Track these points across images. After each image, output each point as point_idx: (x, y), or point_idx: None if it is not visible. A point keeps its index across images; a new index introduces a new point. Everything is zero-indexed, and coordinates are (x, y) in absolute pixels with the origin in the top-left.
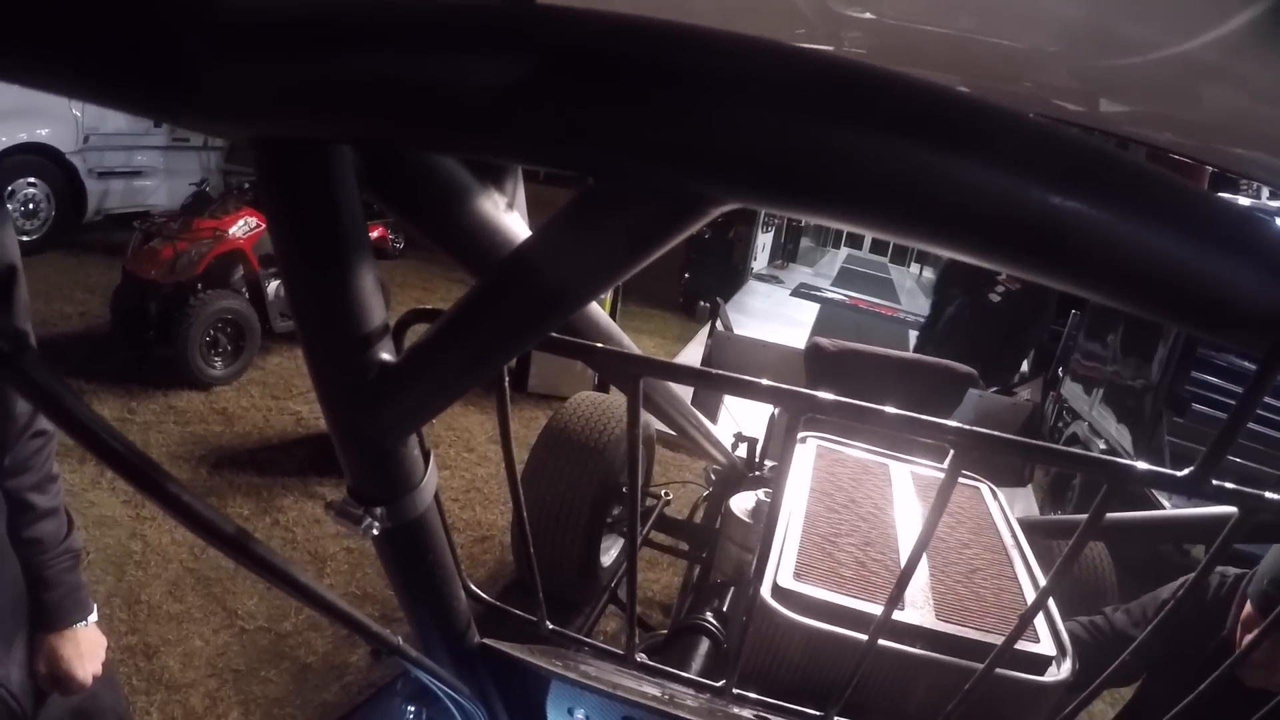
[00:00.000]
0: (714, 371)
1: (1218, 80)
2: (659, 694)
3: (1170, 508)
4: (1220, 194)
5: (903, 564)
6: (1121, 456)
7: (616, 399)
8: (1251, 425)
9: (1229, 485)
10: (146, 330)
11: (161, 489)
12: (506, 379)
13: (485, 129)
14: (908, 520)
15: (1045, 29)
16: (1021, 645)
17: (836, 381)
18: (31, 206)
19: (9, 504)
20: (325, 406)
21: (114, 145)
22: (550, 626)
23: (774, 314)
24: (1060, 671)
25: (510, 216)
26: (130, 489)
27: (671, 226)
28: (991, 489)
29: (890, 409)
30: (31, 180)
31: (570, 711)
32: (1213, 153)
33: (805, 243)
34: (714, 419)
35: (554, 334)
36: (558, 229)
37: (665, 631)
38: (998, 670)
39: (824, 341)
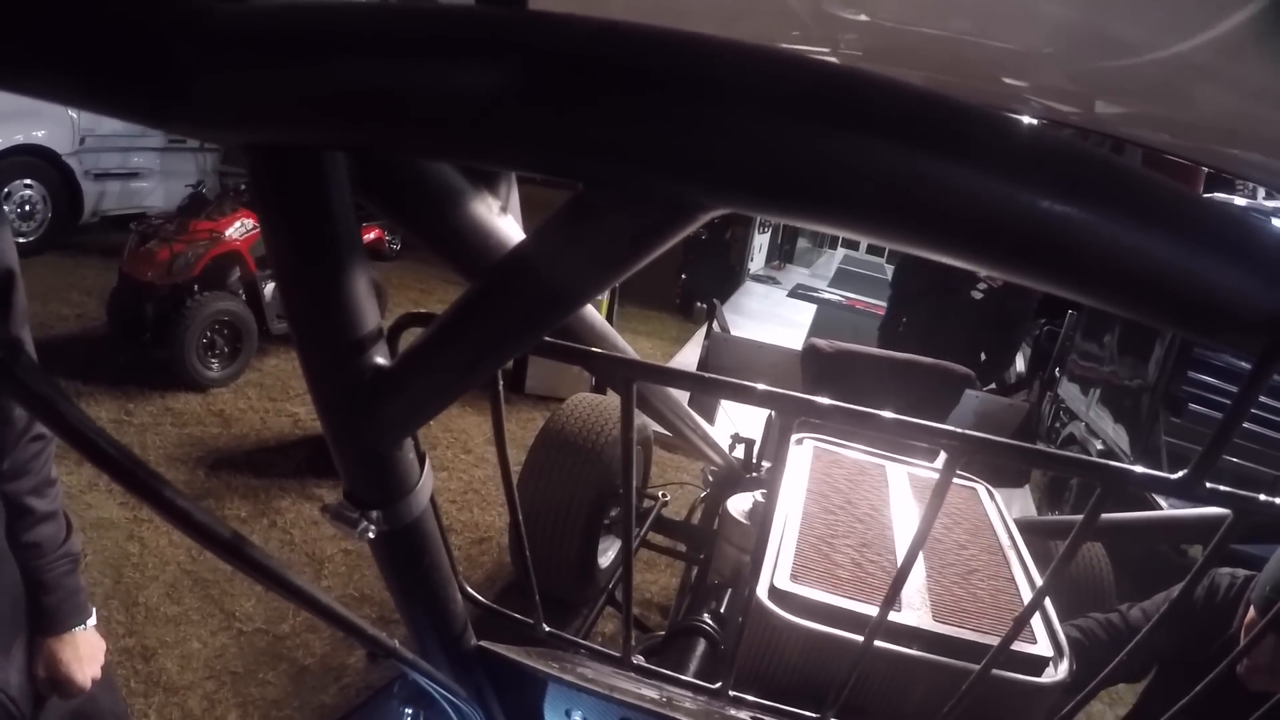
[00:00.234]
0: (708, 376)
1: (1213, 81)
2: (656, 696)
3: (1167, 508)
4: (1216, 194)
5: (899, 566)
6: (1119, 456)
7: (614, 400)
8: (1249, 425)
9: (1222, 488)
10: (143, 332)
11: (159, 495)
12: (500, 383)
13: (473, 137)
14: (904, 521)
15: (1040, 31)
16: (1018, 646)
17: (833, 383)
18: (28, 208)
19: (8, 508)
20: (320, 411)
21: (110, 147)
22: (547, 629)
23: (771, 315)
24: (1057, 672)
25: (504, 220)
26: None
27: (662, 232)
28: (988, 489)
29: (884, 413)
30: (28, 182)
31: (568, 714)
32: (1209, 154)
33: (802, 244)
34: (711, 420)
35: (548, 338)
36: (551, 233)
37: (663, 633)
38: (994, 671)
39: (821, 342)
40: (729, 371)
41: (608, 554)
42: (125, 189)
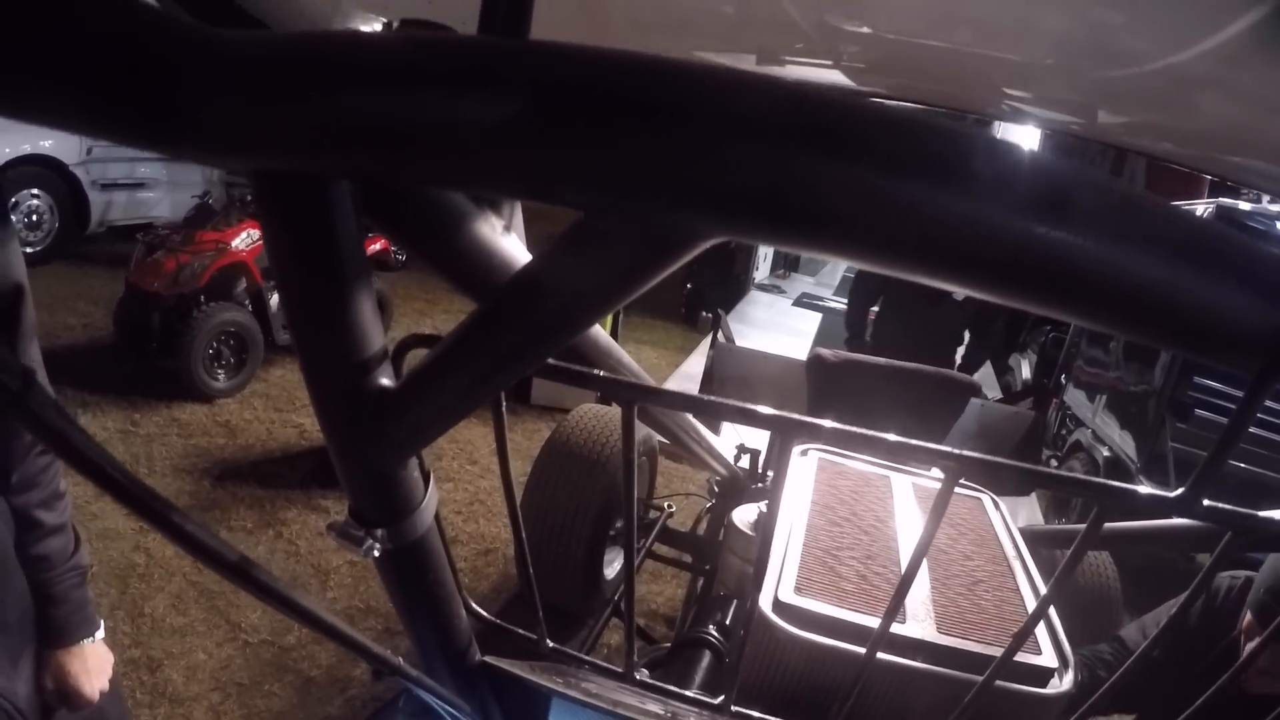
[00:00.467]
0: (707, 399)
1: (1215, 90)
2: (660, 711)
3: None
4: (1220, 199)
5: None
6: (1125, 463)
7: (619, 411)
8: (1254, 430)
9: (1221, 505)
10: (150, 342)
11: (168, 521)
12: (504, 403)
13: (473, 167)
14: (909, 533)
15: (1042, 42)
16: (1023, 657)
17: (839, 392)
18: (35, 218)
19: (17, 521)
20: (325, 430)
21: (117, 157)
22: (550, 644)
23: (776, 324)
24: (1062, 684)
25: (508, 240)
26: None
27: (662, 258)
28: (993, 499)
29: (883, 435)
30: (35, 192)
31: None
32: (1212, 162)
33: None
34: (716, 431)
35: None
36: (554, 258)
37: (669, 645)
38: (999, 683)
39: (826, 352)
40: (734, 382)
41: (613, 565)
42: (132, 199)
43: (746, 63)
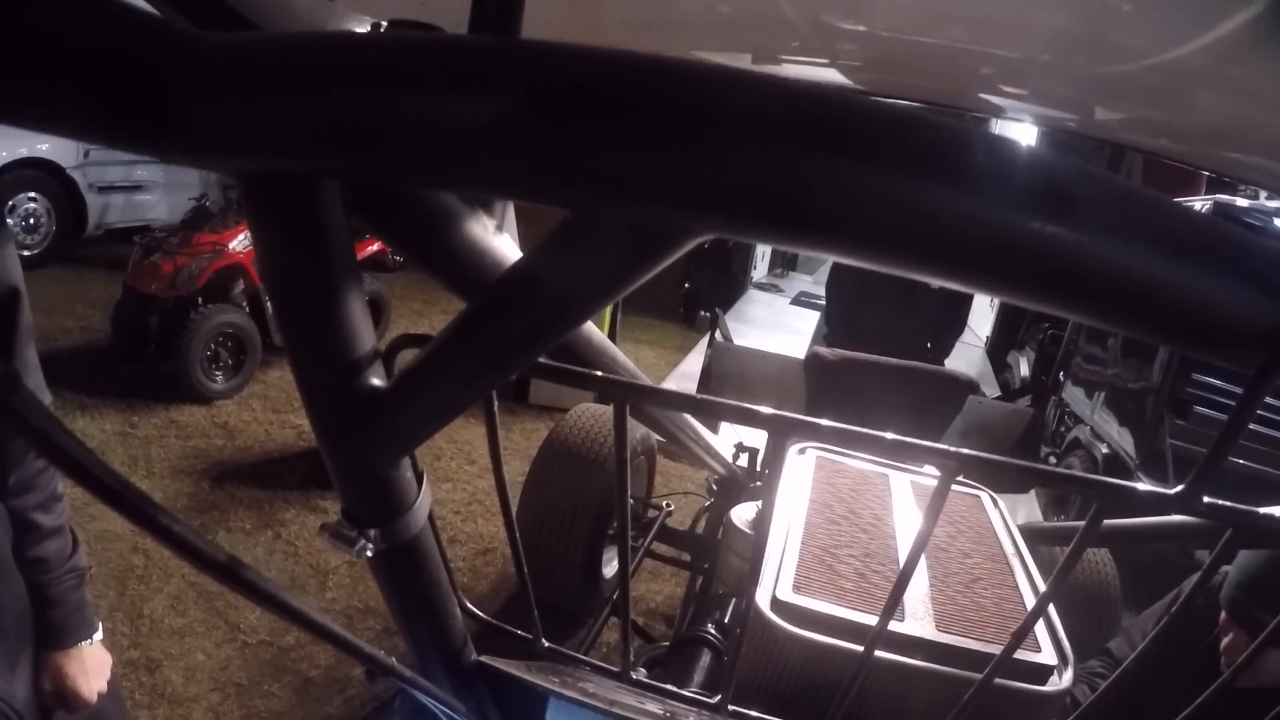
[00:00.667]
0: (700, 397)
1: (1212, 86)
2: (658, 710)
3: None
4: (1218, 195)
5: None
6: (1124, 459)
7: None
8: (1254, 426)
9: (1221, 502)
10: (147, 344)
11: (156, 523)
12: (495, 403)
13: (465, 167)
14: (908, 531)
15: (1038, 38)
16: (1022, 655)
17: (837, 390)
18: (32, 221)
19: (14, 523)
20: (317, 431)
21: (114, 160)
22: (546, 644)
23: (774, 323)
24: (1062, 681)
25: (500, 239)
26: None
27: (651, 256)
28: (992, 497)
29: (880, 433)
30: (32, 195)
31: None
32: (1209, 158)
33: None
34: (715, 429)
35: (545, 356)
36: (544, 256)
37: (667, 644)
38: (998, 680)
39: (824, 350)
40: (733, 381)
41: (612, 564)
42: (129, 202)
43: (742, 62)
